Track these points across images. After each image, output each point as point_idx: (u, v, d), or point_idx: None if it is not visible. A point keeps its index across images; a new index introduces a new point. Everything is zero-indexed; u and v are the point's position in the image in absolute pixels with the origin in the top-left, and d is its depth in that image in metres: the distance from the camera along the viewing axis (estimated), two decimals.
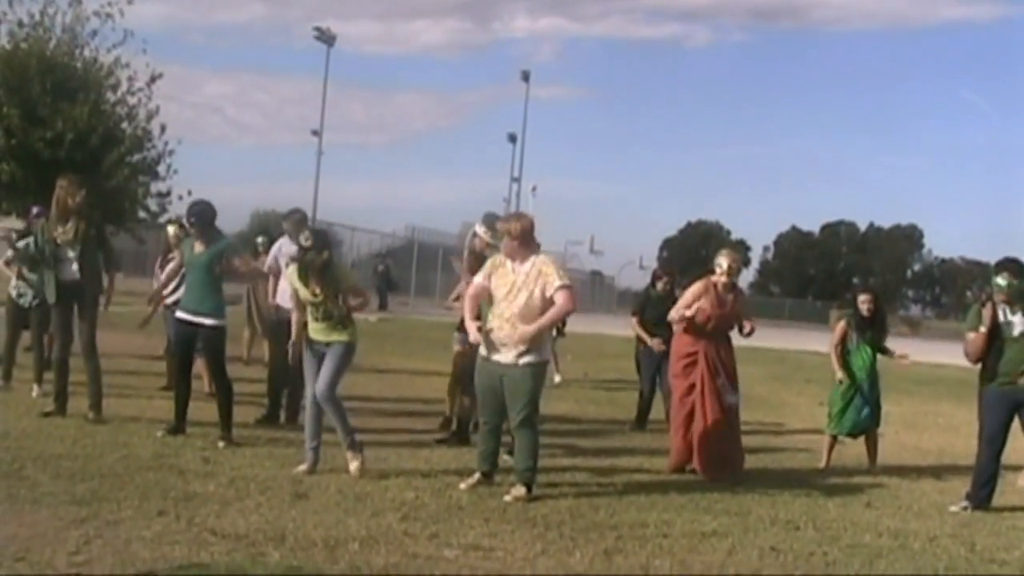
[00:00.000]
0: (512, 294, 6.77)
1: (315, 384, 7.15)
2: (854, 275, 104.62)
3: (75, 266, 8.43)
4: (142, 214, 27.01)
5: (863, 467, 8.99)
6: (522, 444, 6.84)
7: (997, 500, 7.51)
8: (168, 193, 26.87)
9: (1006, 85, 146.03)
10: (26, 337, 10.32)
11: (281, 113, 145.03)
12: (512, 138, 55.71)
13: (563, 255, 54.09)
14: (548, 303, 6.73)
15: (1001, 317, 7.32)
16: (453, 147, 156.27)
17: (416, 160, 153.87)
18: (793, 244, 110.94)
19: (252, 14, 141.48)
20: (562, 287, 6.72)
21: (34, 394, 9.31)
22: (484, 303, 7.12)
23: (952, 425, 12.73)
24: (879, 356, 9.10)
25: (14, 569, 4.55)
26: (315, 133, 47.85)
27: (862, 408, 8.92)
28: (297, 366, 7.51)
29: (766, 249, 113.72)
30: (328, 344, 7.17)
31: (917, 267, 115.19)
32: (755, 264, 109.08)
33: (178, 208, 25.77)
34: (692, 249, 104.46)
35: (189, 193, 25.43)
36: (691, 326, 8.09)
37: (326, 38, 46.15)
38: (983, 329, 7.32)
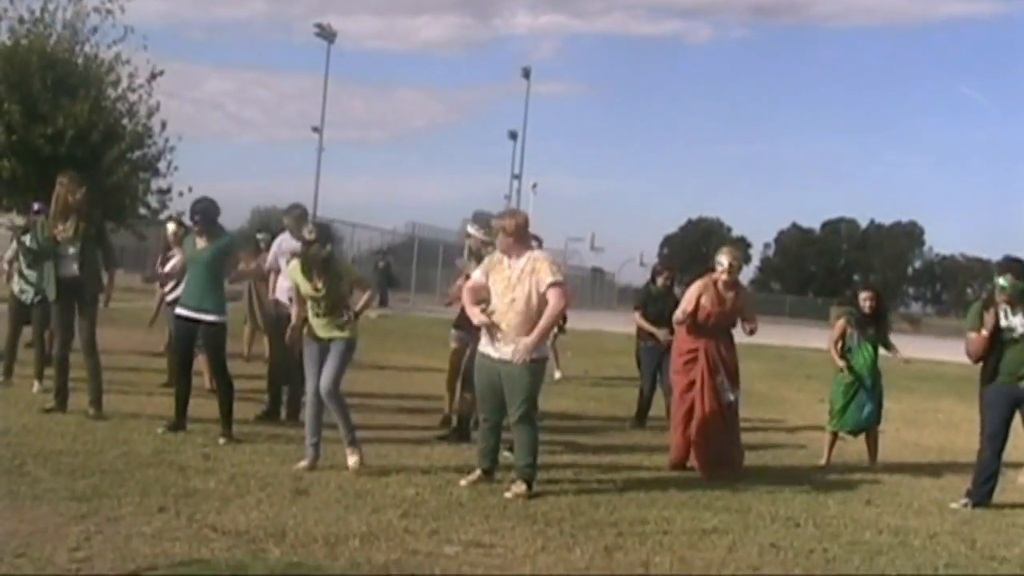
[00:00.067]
0: (509, 290, 6.79)
1: (316, 380, 7.16)
2: (855, 272, 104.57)
3: (75, 263, 8.44)
4: (143, 211, 27.03)
5: (863, 464, 8.99)
6: (521, 441, 6.84)
7: (997, 497, 7.52)
8: (169, 190, 26.92)
9: (1007, 82, 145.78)
10: (27, 333, 10.32)
11: (282, 109, 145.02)
12: (513, 135, 55.74)
13: (564, 252, 54.18)
14: (543, 299, 6.75)
15: (1002, 318, 7.32)
16: (454, 144, 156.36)
17: (417, 157, 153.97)
18: (794, 241, 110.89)
19: (253, 10, 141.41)
20: (553, 284, 6.73)
21: (35, 390, 9.31)
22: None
23: (952, 422, 12.73)
24: (880, 353, 9.10)
25: (15, 565, 4.56)
26: (315, 130, 47.87)
27: (864, 406, 8.92)
28: (297, 362, 7.51)
29: (767, 246, 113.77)
30: (329, 340, 7.17)
31: (918, 264, 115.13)
32: (756, 261, 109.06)
33: (178, 204, 25.84)
34: (693, 246, 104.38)
35: (190, 190, 25.52)
36: (692, 324, 8.10)
37: (327, 34, 46.14)
38: (984, 332, 7.32)
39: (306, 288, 7.19)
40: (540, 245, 9.55)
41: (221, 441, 7.72)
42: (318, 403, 7.18)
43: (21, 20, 25.08)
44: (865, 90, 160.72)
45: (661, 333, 10.20)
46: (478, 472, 6.99)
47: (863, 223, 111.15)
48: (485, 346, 6.94)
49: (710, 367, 8.06)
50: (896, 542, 6.21)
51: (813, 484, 7.91)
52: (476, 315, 6.90)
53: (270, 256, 9.41)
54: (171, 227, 11.13)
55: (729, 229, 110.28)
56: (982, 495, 7.41)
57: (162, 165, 26.80)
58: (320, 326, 7.19)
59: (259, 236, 13.88)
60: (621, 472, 7.80)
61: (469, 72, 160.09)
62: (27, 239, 9.33)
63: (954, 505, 7.39)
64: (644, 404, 10.65)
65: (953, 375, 18.56)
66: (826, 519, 6.70)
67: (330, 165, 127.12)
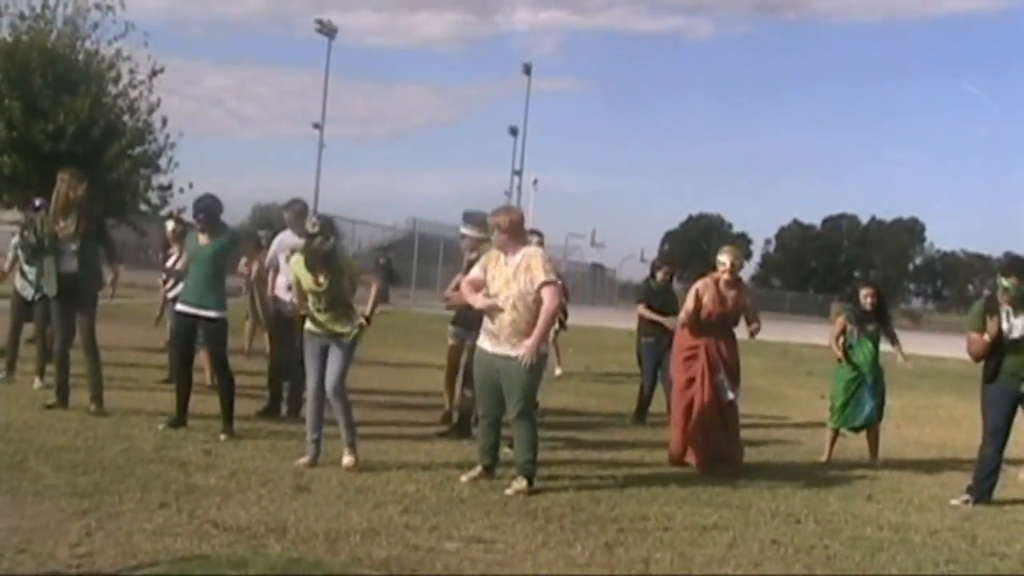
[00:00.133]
0: (505, 287, 6.80)
1: (317, 377, 7.15)
2: (855, 268, 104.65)
3: (75, 260, 8.43)
4: (143, 207, 27.03)
5: (864, 460, 8.99)
6: (521, 437, 6.85)
7: (998, 494, 7.52)
8: (169, 186, 26.91)
9: (1008, 78, 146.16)
10: (28, 329, 10.32)
11: (282, 106, 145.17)
12: (513, 131, 55.68)
13: (564, 248, 54.21)
14: (539, 295, 6.76)
15: (1004, 319, 7.33)
16: (454, 140, 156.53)
17: (417, 153, 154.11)
18: (794, 237, 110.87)
19: (253, 7, 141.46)
20: (545, 283, 6.73)
21: (36, 386, 9.31)
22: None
23: (953, 418, 12.73)
24: (882, 349, 9.10)
25: (16, 561, 4.56)
26: (316, 126, 47.89)
27: (866, 403, 8.93)
28: (298, 358, 7.51)
29: (767, 242, 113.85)
30: (331, 336, 7.16)
31: (918, 260, 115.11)
32: (756, 257, 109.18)
33: (179, 201, 25.83)
34: (693, 242, 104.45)
35: (191, 186, 25.51)
36: (694, 322, 8.12)
37: (327, 30, 46.11)
38: (987, 337, 7.32)
39: (307, 282, 7.18)
40: (542, 240, 9.58)
41: (222, 437, 7.72)
42: (319, 399, 7.18)
43: (22, 16, 25.07)
44: (866, 86, 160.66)
45: (669, 321, 10.18)
46: (479, 468, 6.99)
47: (864, 219, 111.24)
48: (483, 341, 6.95)
49: (711, 365, 8.07)
50: (897, 538, 6.21)
51: (814, 480, 7.91)
52: (478, 300, 6.91)
53: (270, 253, 9.40)
54: (170, 225, 11.13)
55: (730, 225, 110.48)
56: (983, 491, 7.41)
57: (163, 161, 26.81)
58: (321, 322, 7.19)
59: (260, 233, 13.87)
60: (622, 468, 7.81)
61: (470, 68, 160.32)
62: (27, 234, 9.32)
63: (955, 502, 7.39)
64: (644, 400, 10.65)
65: (954, 371, 18.56)
66: (827, 515, 6.71)
67: (331, 161, 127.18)
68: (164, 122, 26.44)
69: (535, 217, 45.81)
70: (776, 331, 24.19)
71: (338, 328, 7.15)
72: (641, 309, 10.81)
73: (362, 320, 7.25)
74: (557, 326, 13.27)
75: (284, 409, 9.08)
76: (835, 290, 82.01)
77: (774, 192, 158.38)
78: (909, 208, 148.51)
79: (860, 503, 7.24)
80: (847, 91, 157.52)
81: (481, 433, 7.17)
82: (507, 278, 6.80)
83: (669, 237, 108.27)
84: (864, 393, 8.93)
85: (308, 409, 7.29)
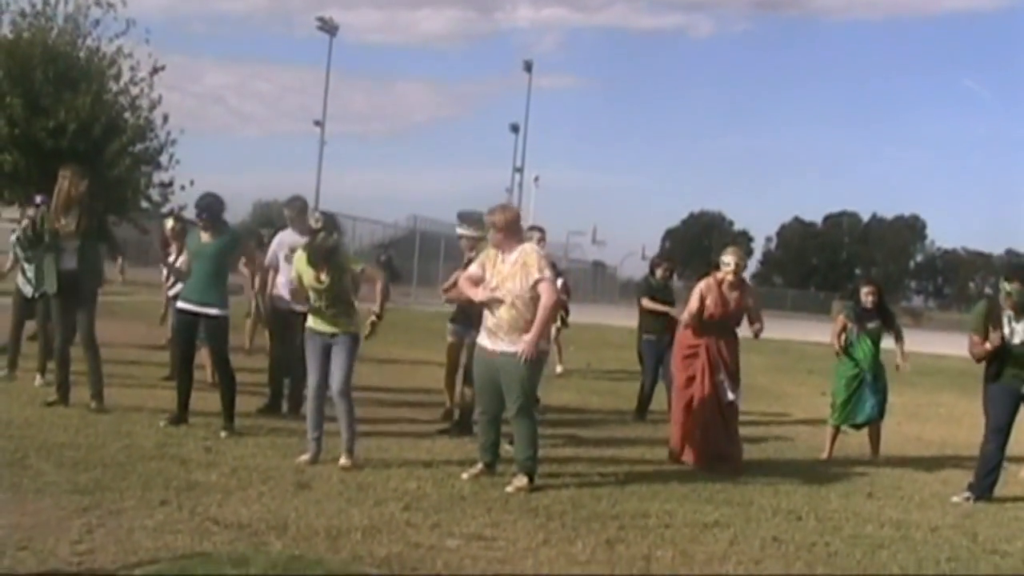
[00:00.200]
0: (503, 285, 6.80)
1: (318, 375, 7.15)
2: (856, 266, 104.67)
3: (75, 257, 8.42)
4: (144, 204, 26.99)
5: (865, 458, 9.00)
6: (520, 434, 6.85)
7: (999, 491, 7.52)
8: (170, 183, 26.87)
9: (1009, 75, 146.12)
10: (30, 326, 10.32)
11: (283, 103, 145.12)
12: (514, 128, 55.66)
13: (565, 245, 54.18)
14: (536, 292, 6.76)
15: (1006, 324, 7.34)
16: (455, 137, 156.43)
17: (418, 150, 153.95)
18: (796, 235, 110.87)
19: (254, 4, 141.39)
20: (540, 281, 6.74)
21: (37, 383, 9.31)
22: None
23: (954, 416, 12.74)
24: (883, 348, 9.09)
25: (17, 558, 4.56)
26: (317, 123, 47.88)
27: (867, 400, 8.93)
28: (299, 355, 7.50)
29: (768, 240, 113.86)
30: (332, 336, 7.15)
31: (919, 258, 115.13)
32: (758, 255, 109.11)
33: (180, 198, 25.82)
34: (695, 239, 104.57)
35: (192, 183, 25.49)
36: (695, 322, 8.14)
37: (328, 27, 46.11)
38: (988, 347, 7.33)
39: (309, 279, 7.16)
40: (543, 237, 9.58)
41: (223, 434, 7.72)
42: (320, 398, 7.18)
43: (23, 14, 25.03)
44: (867, 83, 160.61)
45: (675, 310, 10.16)
46: (480, 466, 7.00)
47: (865, 217, 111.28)
48: (483, 339, 6.96)
49: (711, 364, 8.10)
50: (898, 536, 6.21)
51: (815, 478, 7.91)
52: (479, 293, 6.92)
53: (270, 252, 9.39)
54: (168, 223, 11.12)
55: (731, 223, 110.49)
56: (984, 488, 7.41)
57: (164, 159, 26.75)
58: (322, 320, 7.18)
59: (263, 232, 13.88)
60: (623, 465, 7.81)
61: (471, 65, 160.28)
62: (26, 228, 9.33)
63: (956, 499, 7.39)
64: (645, 398, 10.65)
65: (955, 369, 18.56)
66: (828, 513, 6.71)
67: (331, 158, 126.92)
68: (165, 119, 26.42)
69: (536, 214, 45.81)
70: (777, 329, 24.16)
71: (339, 328, 7.13)
72: (646, 302, 10.81)
73: (373, 317, 7.26)
74: (559, 324, 13.30)
75: (285, 406, 9.07)
76: (836, 288, 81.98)
77: (775, 189, 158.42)
78: (910, 205, 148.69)
79: (861, 500, 7.24)
80: (848, 88, 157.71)
81: (481, 430, 7.17)
82: (504, 276, 6.80)
83: (670, 234, 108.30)
84: (865, 390, 8.93)
85: (309, 407, 7.28)
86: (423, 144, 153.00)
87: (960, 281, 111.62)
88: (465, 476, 6.87)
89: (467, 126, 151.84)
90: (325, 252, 7.07)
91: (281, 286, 8.87)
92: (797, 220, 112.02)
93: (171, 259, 10.17)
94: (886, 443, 9.25)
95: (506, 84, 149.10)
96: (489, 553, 5.19)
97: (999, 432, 7.40)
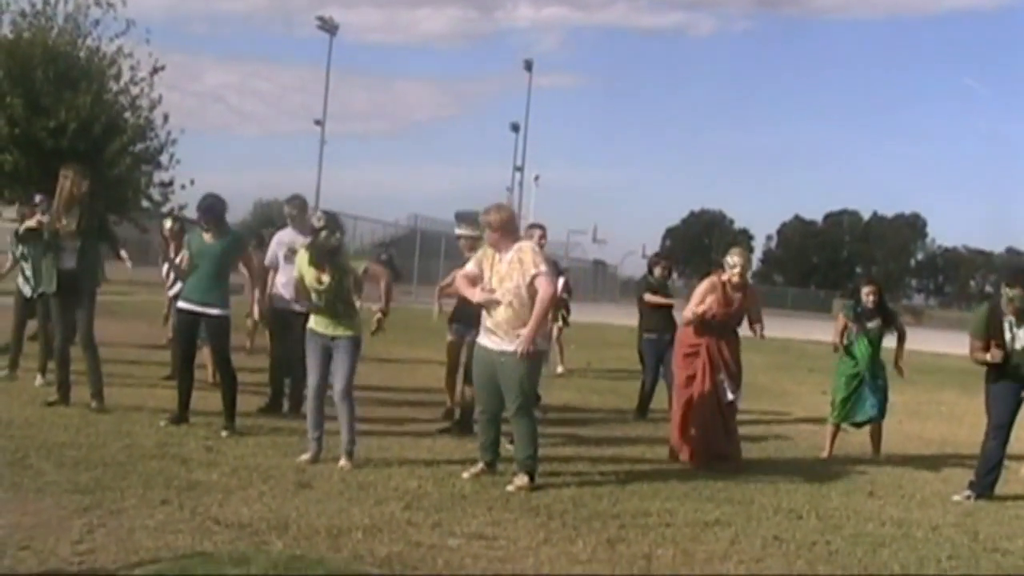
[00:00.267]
0: (501, 284, 6.80)
1: (318, 376, 7.15)
2: (857, 264, 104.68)
3: (75, 257, 8.41)
4: (145, 203, 27.04)
5: (866, 456, 8.99)
6: (520, 433, 6.85)
7: (1000, 489, 7.52)
8: (171, 182, 26.93)
9: (1009, 73, 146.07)
10: (32, 326, 10.32)
11: (283, 102, 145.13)
12: (515, 127, 55.67)
13: (566, 244, 54.17)
14: (533, 288, 6.76)
15: (1007, 330, 7.35)
16: (456, 136, 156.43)
17: (419, 149, 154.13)
18: (796, 233, 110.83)
19: (254, 3, 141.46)
20: (537, 275, 6.74)
21: (38, 383, 9.31)
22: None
23: (955, 414, 12.74)
24: (883, 347, 9.09)
25: (18, 558, 4.56)
26: (317, 123, 47.85)
27: (866, 398, 8.93)
28: (300, 355, 7.50)
29: (769, 238, 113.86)
30: (333, 338, 7.14)
31: (920, 256, 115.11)
32: (758, 253, 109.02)
33: (180, 197, 25.86)
34: (695, 238, 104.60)
35: (192, 182, 25.58)
36: (696, 321, 8.14)
37: (328, 27, 46.10)
38: (990, 358, 7.34)
39: (310, 279, 7.15)
40: (544, 235, 9.57)
41: (224, 434, 7.72)
42: (320, 397, 7.17)
43: (23, 14, 25.11)
44: (867, 82, 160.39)
45: (677, 302, 10.14)
46: (480, 465, 7.00)
47: (865, 215, 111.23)
48: (483, 338, 6.96)
49: (711, 364, 8.10)
50: (899, 534, 6.21)
51: (815, 476, 7.90)
52: (476, 293, 6.92)
53: (269, 251, 9.37)
54: (167, 223, 11.11)
55: (732, 221, 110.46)
56: (985, 487, 7.41)
57: (164, 158, 26.85)
58: (322, 322, 7.16)
59: (264, 232, 13.88)
60: (623, 464, 7.81)
61: (471, 64, 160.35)
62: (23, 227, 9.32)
63: (957, 497, 7.39)
64: (646, 396, 10.65)
65: (955, 367, 18.54)
66: (829, 511, 6.71)
67: (332, 157, 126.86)
68: (165, 118, 26.50)
69: (537, 213, 45.79)
70: (777, 327, 24.18)
71: (341, 331, 7.12)
72: (648, 296, 10.81)
73: (379, 314, 7.26)
74: (560, 323, 13.30)
75: (286, 406, 9.07)
76: (836, 286, 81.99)
77: (775, 188, 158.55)
78: (910, 203, 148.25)
79: (862, 499, 7.24)
80: (848, 87, 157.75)
81: (481, 429, 7.17)
82: (502, 275, 6.80)
83: (671, 233, 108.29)
84: (865, 389, 8.93)
85: (309, 407, 7.28)
86: (423, 143, 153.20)
87: (961, 279, 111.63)
88: (466, 475, 6.86)
89: (467, 125, 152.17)
90: (328, 251, 7.07)
91: (281, 286, 8.86)
92: (797, 218, 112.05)
93: (178, 258, 10.16)
94: (887, 441, 9.25)
95: (506, 83, 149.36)
96: (490, 552, 5.19)
97: (1000, 430, 7.41)
